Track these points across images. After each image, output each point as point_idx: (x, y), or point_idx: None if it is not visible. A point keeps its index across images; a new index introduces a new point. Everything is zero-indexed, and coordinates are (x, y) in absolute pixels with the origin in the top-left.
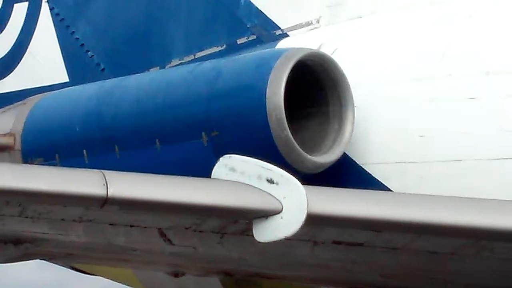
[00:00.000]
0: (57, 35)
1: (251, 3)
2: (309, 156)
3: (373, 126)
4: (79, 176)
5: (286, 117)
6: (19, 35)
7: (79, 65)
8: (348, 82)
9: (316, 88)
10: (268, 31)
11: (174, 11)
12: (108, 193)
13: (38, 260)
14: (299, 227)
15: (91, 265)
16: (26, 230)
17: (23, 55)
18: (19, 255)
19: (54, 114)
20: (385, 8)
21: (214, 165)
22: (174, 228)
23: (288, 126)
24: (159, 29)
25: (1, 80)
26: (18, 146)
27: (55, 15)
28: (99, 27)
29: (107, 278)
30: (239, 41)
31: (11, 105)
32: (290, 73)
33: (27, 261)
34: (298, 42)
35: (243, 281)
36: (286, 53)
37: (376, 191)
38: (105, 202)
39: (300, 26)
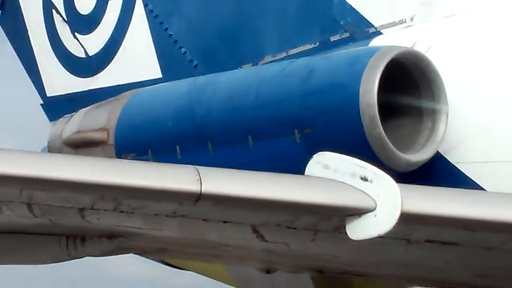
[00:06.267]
0: (151, 32)
1: (344, 1)
2: (402, 154)
3: (466, 124)
4: (173, 172)
5: (379, 115)
6: (113, 31)
7: (172, 61)
8: (442, 80)
9: (409, 86)
10: (362, 29)
11: (267, 7)
12: (202, 189)
13: (131, 255)
14: (392, 225)
15: (183, 260)
16: (120, 224)
17: (117, 51)
18: (113, 249)
19: (147, 110)
20: (479, 6)
21: (306, 162)
22: (268, 225)
23: (381, 124)
24: (252, 25)
25: (95, 76)
26: (111, 141)
27: (149, 12)
28: (193, 23)
29: (199, 273)
30: (332, 39)
31: (105, 101)
32: (383, 71)
33: (121, 255)
34: (391, 40)
35: (334, 279)
36: (380, 51)
37: (470, 190)
38: (198, 197)
39: (394, 24)
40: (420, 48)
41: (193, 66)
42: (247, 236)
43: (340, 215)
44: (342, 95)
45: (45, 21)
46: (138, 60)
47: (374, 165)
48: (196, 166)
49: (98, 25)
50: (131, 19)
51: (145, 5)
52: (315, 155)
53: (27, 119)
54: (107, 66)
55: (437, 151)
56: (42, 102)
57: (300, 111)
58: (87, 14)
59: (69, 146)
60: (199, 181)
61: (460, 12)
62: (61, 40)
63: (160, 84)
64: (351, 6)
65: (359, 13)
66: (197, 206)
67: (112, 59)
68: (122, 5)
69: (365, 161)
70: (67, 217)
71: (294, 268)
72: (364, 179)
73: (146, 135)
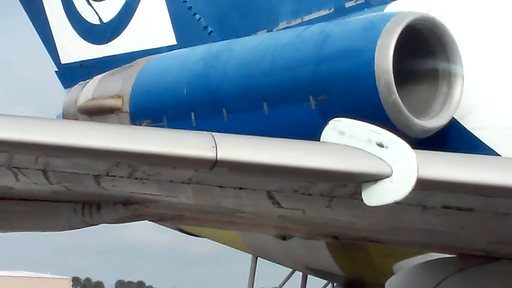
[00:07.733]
0: None
1: None
2: (417, 120)
3: (482, 90)
4: (189, 138)
5: (394, 81)
6: None
7: (186, 28)
8: (457, 46)
9: (425, 52)
10: None
11: None
12: (218, 155)
13: (149, 224)
14: (408, 191)
15: (199, 227)
16: (135, 191)
17: (132, 17)
18: (128, 216)
19: (162, 77)
20: None
21: (321, 128)
22: (283, 191)
23: (396, 90)
24: None
25: (110, 42)
26: (126, 108)
27: None
28: None
29: (213, 240)
30: (347, 4)
31: (119, 68)
32: (399, 37)
33: (136, 222)
34: (406, 6)
35: (349, 245)
36: (395, 17)
37: (486, 156)
38: (214, 164)
39: None
40: (435, 13)
41: (208, 32)
42: (262, 202)
43: (356, 181)
44: (357, 61)
45: None
46: (152, 26)
47: (389, 131)
48: (212, 133)
49: None
50: None
51: None
52: (330, 121)
53: (41, 86)
54: (121, 32)
55: (453, 117)
56: (57, 69)
57: (315, 78)
58: None
59: (84, 113)
60: (215, 147)
61: None
62: (75, 7)
63: (175, 51)
64: None
65: None
66: (213, 173)
67: (127, 25)
68: None
69: (380, 127)
70: (82, 184)
71: (309, 234)
72: (380, 145)
73: (161, 102)
